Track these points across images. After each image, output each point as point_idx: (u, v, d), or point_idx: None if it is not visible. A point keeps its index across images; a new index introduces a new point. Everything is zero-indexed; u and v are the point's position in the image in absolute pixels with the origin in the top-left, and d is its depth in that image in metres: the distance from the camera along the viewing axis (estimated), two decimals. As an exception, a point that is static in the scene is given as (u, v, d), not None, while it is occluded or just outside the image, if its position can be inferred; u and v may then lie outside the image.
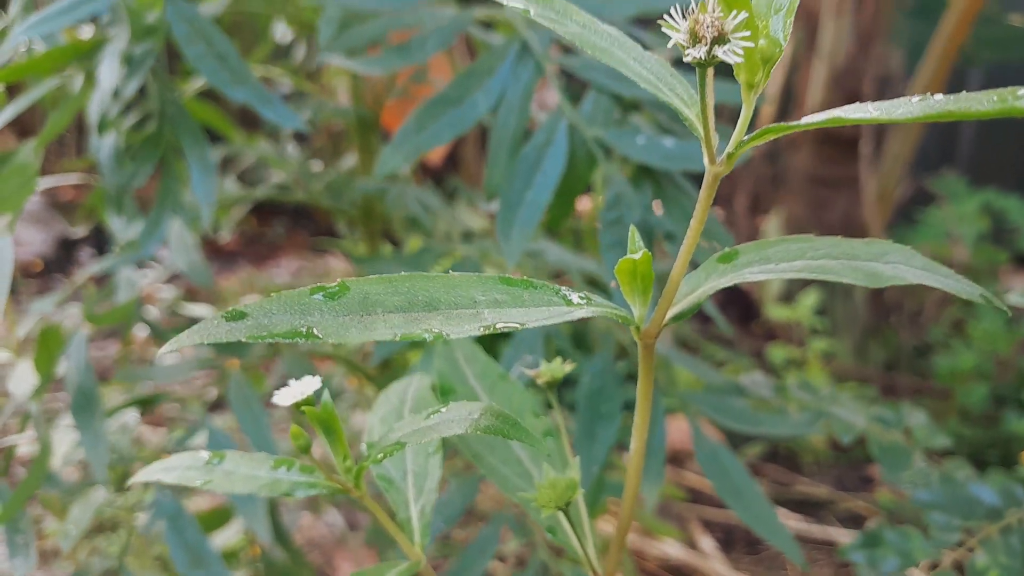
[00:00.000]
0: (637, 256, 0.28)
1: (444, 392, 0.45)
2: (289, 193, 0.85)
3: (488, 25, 0.73)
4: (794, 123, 0.23)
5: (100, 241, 2.15)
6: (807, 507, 1.43)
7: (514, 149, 0.57)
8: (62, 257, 2.18)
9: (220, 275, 2.12)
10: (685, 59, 0.23)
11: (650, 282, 0.30)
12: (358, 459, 0.35)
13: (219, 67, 0.58)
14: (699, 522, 1.34)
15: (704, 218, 0.28)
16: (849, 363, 1.77)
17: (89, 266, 0.73)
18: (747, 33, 0.22)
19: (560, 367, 0.40)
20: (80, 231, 2.10)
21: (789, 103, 1.95)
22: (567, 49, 0.64)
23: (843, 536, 1.33)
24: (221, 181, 0.87)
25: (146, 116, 0.76)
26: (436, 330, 0.26)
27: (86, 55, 0.66)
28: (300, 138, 1.19)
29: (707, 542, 1.30)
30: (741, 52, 0.22)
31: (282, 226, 2.57)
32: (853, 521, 1.39)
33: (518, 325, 0.27)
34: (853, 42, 1.87)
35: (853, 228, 1.88)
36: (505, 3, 0.28)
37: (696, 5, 0.23)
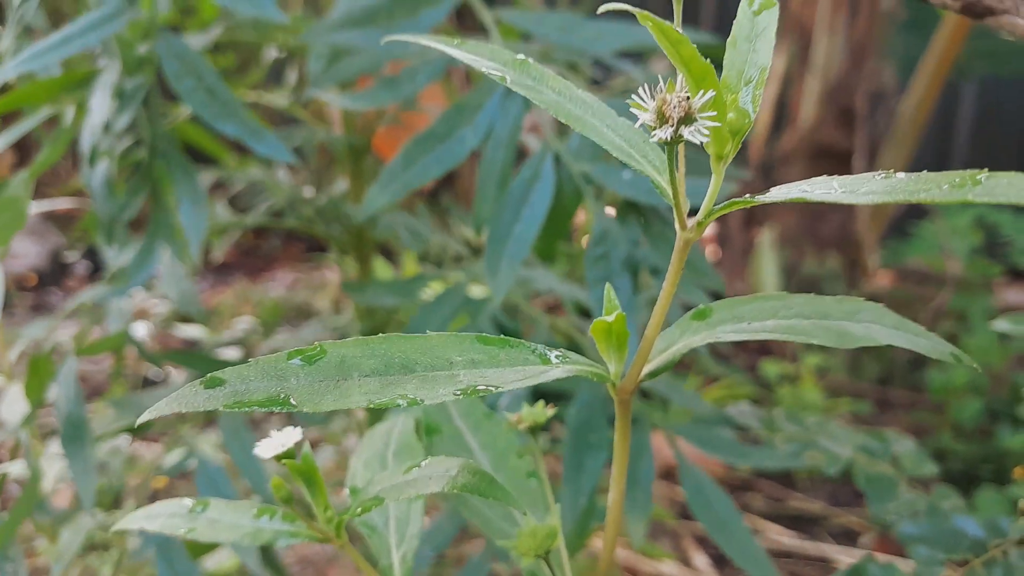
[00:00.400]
0: (611, 319, 0.28)
1: (429, 431, 0.45)
2: (281, 220, 0.85)
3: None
4: (761, 197, 0.24)
5: (95, 254, 2.16)
6: (801, 523, 1.43)
7: (502, 183, 0.57)
8: (57, 270, 2.18)
9: (215, 288, 2.12)
10: (651, 139, 0.23)
11: (625, 340, 0.30)
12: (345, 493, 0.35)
13: (209, 101, 0.59)
14: (693, 539, 1.34)
15: (676, 281, 0.28)
16: (843, 378, 1.77)
17: (81, 293, 0.73)
18: (714, 113, 0.23)
19: (542, 412, 0.40)
20: (74, 255, 2.10)
21: (782, 117, 1.96)
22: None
23: (836, 552, 1.34)
24: (213, 206, 0.88)
25: (138, 141, 0.77)
26: (411, 396, 0.26)
27: (78, 86, 0.67)
28: (296, 154, 1.19)
29: (701, 559, 1.30)
30: (707, 132, 0.23)
31: (277, 239, 2.58)
32: (846, 537, 1.40)
33: (493, 388, 0.27)
34: (846, 57, 1.88)
35: (847, 242, 1.89)
36: (485, 71, 0.28)
37: (664, 84, 0.23)
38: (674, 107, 0.23)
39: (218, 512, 0.36)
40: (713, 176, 0.26)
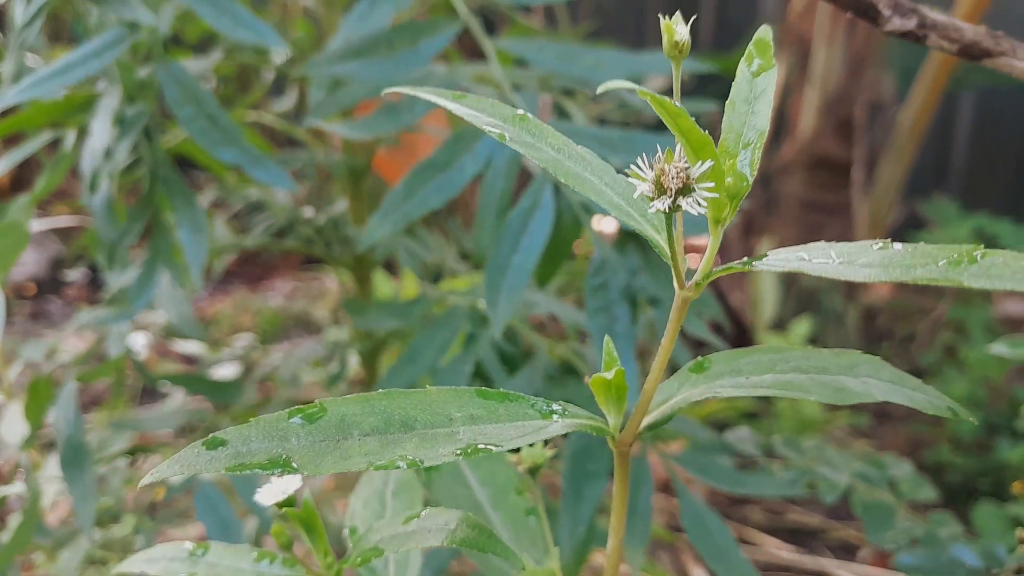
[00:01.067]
0: (610, 375, 0.28)
1: (428, 468, 0.45)
2: (280, 241, 0.85)
3: (481, 83, 0.74)
4: (759, 264, 0.24)
5: (94, 264, 2.15)
6: (799, 536, 1.43)
7: (502, 212, 0.57)
8: (56, 279, 2.18)
9: (214, 297, 2.12)
10: (650, 210, 0.23)
11: (624, 394, 0.30)
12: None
13: (209, 128, 0.59)
14: (691, 553, 1.34)
15: (675, 337, 0.28)
16: (841, 389, 1.77)
17: (80, 315, 0.73)
18: (711, 184, 0.23)
19: (541, 452, 0.40)
20: (75, 273, 2.10)
21: (781, 128, 1.96)
22: (559, 112, 0.65)
23: (835, 566, 1.34)
24: (212, 225, 0.88)
25: (139, 159, 0.77)
26: (410, 457, 0.26)
27: (79, 110, 0.67)
28: (297, 175, 1.20)
29: (699, 574, 1.30)
30: (705, 203, 0.23)
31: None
32: (845, 551, 1.40)
33: (493, 446, 0.28)
34: (845, 68, 1.88)
35: (846, 253, 1.89)
36: (483, 127, 0.28)
37: (662, 154, 0.24)
38: (672, 178, 0.23)
39: (218, 556, 0.36)
40: (711, 239, 0.26)
